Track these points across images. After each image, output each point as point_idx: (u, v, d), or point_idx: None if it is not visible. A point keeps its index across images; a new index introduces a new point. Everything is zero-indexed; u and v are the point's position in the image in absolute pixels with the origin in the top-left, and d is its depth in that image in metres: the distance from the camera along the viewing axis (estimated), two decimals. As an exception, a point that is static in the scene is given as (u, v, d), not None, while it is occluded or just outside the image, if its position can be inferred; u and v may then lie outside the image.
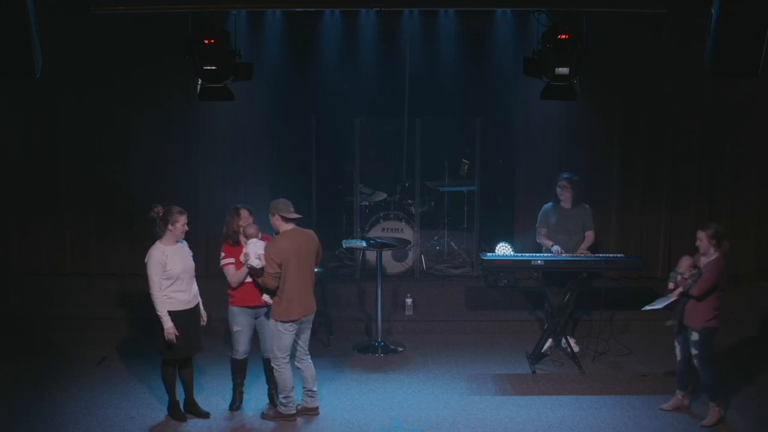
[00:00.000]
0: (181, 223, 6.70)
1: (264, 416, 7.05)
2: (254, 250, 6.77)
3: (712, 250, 6.80)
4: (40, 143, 9.70)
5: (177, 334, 6.62)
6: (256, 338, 7.14)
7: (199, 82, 7.54)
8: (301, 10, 8.92)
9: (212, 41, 7.31)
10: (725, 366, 7.48)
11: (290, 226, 6.74)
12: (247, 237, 6.90)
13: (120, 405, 7.26)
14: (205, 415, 7.03)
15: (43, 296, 9.54)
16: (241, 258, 6.85)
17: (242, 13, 8.30)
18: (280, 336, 6.72)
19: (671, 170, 9.68)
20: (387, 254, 9.87)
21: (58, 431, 6.80)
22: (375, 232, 10.16)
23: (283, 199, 6.79)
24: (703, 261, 6.85)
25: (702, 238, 6.81)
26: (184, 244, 6.87)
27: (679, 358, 7.07)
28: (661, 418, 6.99)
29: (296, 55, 9.85)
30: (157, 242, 6.71)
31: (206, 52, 7.32)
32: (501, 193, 10.93)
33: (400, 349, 8.63)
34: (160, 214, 6.72)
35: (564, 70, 7.38)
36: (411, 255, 10.18)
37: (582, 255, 8.20)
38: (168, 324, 6.61)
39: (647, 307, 7.20)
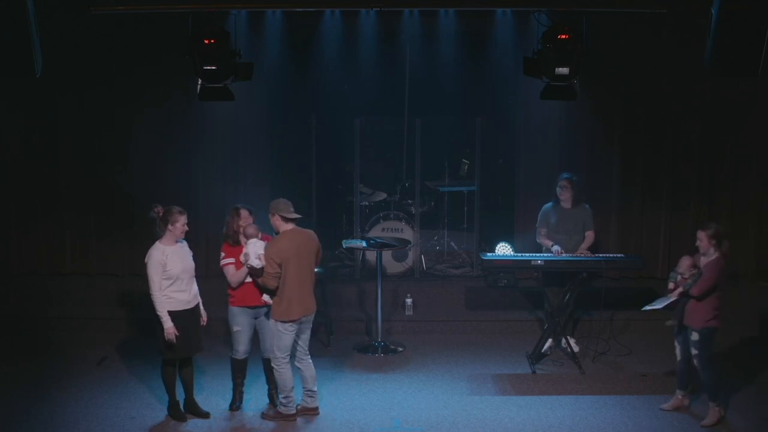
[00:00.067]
0: (181, 223, 6.70)
1: (264, 416, 7.05)
2: (254, 250, 6.77)
3: (712, 250, 6.79)
4: (40, 143, 9.70)
5: (177, 334, 6.62)
6: (256, 338, 7.14)
7: (199, 82, 7.53)
8: (301, 10, 8.92)
9: (212, 41, 7.30)
10: (725, 366, 7.48)
11: (290, 226, 6.74)
12: (247, 237, 6.90)
13: (120, 405, 7.26)
14: (205, 415, 7.03)
15: (43, 296, 9.54)
16: (241, 258, 6.85)
17: (242, 13, 8.30)
18: (280, 336, 6.72)
19: (671, 170, 9.68)
20: (387, 254, 9.86)
21: (58, 431, 6.80)
22: (375, 232, 10.15)
23: (283, 199, 6.79)
24: (703, 261, 6.84)
25: (702, 238, 6.81)
26: (184, 244, 6.87)
27: (679, 358, 7.06)
28: (661, 418, 6.99)
29: (296, 55, 9.85)
30: (157, 242, 6.71)
31: (206, 52, 7.32)
32: (501, 193, 10.92)
33: (400, 349, 8.63)
34: (160, 214, 6.72)
35: (564, 70, 7.37)
36: (411, 255, 10.17)
37: (582, 255, 8.20)
38: (168, 324, 6.61)
39: (647, 307, 7.19)
